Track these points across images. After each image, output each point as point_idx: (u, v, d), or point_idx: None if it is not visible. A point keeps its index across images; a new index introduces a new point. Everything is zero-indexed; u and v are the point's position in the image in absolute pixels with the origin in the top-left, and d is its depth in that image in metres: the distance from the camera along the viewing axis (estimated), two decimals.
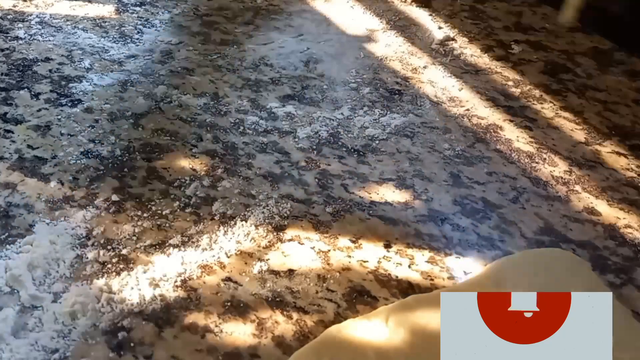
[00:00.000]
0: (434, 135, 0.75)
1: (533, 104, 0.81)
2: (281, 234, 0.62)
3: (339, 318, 0.56)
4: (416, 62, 0.88)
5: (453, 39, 0.91)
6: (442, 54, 0.88)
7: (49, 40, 0.85)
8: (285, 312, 0.56)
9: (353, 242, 0.62)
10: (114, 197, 0.64)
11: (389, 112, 0.79)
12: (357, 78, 0.84)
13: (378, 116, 0.78)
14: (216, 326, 0.54)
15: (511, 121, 0.78)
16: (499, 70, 0.86)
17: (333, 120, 0.77)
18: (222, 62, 0.85)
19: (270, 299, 0.57)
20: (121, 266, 0.58)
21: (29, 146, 0.70)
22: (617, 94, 0.84)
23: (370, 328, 0.53)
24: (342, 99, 0.80)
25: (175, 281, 0.57)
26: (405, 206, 0.66)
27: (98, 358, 0.51)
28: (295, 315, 0.56)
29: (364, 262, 0.61)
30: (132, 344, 0.52)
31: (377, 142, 0.74)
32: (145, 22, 0.89)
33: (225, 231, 0.62)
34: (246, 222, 0.63)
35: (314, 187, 0.68)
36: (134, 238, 0.61)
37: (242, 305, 0.56)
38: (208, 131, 0.74)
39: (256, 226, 0.63)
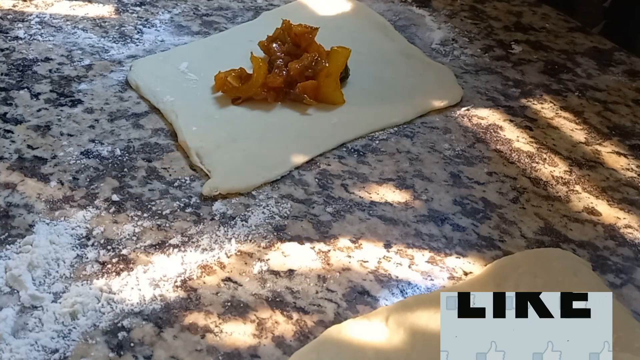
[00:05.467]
0: (434, 135, 0.75)
1: (533, 104, 0.81)
2: (281, 234, 0.62)
3: (339, 318, 0.56)
4: None
5: (453, 39, 0.91)
6: (442, 54, 0.88)
7: (49, 40, 0.85)
8: (285, 312, 0.56)
9: (353, 242, 0.62)
10: (114, 197, 0.64)
11: None
12: None
13: None
14: (216, 326, 0.54)
15: (511, 121, 0.78)
16: (499, 70, 0.86)
17: None
18: None
19: (270, 299, 0.57)
20: (121, 266, 0.58)
21: (28, 146, 0.70)
22: (617, 94, 0.84)
23: (370, 328, 0.54)
24: None
25: (175, 281, 0.57)
26: (405, 206, 0.66)
27: (98, 358, 0.52)
28: (295, 316, 0.56)
29: (364, 262, 0.61)
30: (132, 344, 0.53)
31: (377, 142, 0.74)
32: (145, 22, 0.89)
33: (225, 231, 0.62)
34: (246, 222, 0.63)
35: (314, 187, 0.68)
36: (134, 238, 0.61)
37: (242, 305, 0.56)
38: None
39: (256, 226, 0.63)
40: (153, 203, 0.64)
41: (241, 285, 0.58)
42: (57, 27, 0.87)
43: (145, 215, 0.63)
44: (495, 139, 0.75)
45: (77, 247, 0.60)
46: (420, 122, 0.77)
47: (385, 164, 0.71)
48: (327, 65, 0.76)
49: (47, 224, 0.61)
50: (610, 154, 0.75)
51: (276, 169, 0.68)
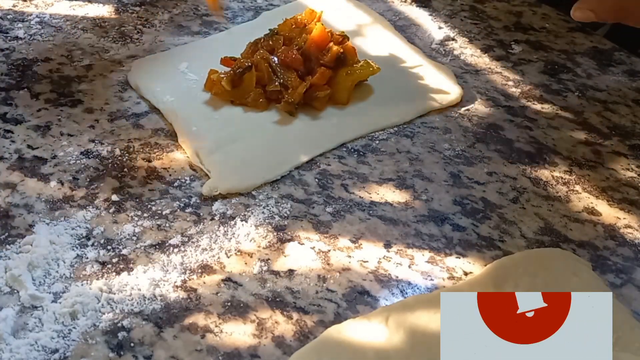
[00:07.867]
0: (434, 135, 0.75)
1: (533, 104, 0.81)
2: (281, 234, 0.62)
3: (339, 318, 0.56)
4: None
5: (453, 39, 0.91)
6: (442, 54, 0.88)
7: (49, 40, 0.85)
8: (285, 312, 0.56)
9: (353, 242, 0.62)
10: (114, 197, 0.64)
11: None
12: None
13: None
14: (216, 326, 0.54)
15: (511, 121, 0.78)
16: (499, 70, 0.86)
17: None
18: None
19: (270, 299, 0.57)
20: (121, 266, 0.58)
21: (28, 146, 0.70)
22: (617, 94, 0.84)
23: (370, 328, 0.54)
24: None
25: (175, 281, 0.57)
26: (405, 206, 0.66)
27: (98, 358, 0.52)
28: (295, 316, 0.56)
29: (364, 262, 0.61)
30: (132, 344, 0.53)
31: (377, 142, 0.74)
32: (145, 22, 0.89)
33: (225, 231, 0.62)
34: (246, 222, 0.63)
35: (314, 187, 0.68)
36: (134, 238, 0.61)
37: (242, 305, 0.56)
38: None
39: (256, 226, 0.63)
40: (153, 203, 0.64)
41: (241, 285, 0.58)
42: (57, 27, 0.87)
43: (145, 215, 0.63)
44: (495, 139, 0.75)
45: (77, 247, 0.60)
46: (420, 122, 0.77)
47: (385, 164, 0.71)
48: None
49: (47, 224, 0.61)
50: (610, 154, 0.75)
51: (276, 169, 0.69)
